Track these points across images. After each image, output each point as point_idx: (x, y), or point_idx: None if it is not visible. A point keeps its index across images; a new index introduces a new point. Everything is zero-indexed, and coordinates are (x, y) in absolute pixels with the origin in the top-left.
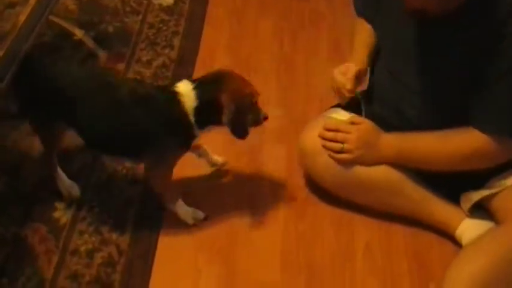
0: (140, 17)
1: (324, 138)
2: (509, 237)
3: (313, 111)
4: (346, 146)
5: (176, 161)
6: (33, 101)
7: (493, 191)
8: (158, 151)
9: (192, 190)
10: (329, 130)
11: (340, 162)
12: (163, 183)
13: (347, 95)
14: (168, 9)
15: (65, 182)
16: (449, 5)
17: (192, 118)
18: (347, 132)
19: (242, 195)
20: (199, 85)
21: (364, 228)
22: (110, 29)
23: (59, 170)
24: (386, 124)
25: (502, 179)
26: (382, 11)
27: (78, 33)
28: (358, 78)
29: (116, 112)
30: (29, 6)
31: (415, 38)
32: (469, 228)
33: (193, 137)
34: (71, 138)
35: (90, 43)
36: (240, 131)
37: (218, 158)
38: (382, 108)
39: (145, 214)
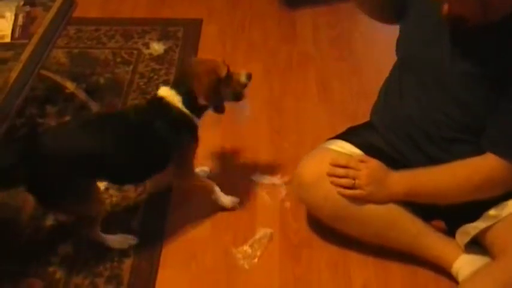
0: (131, 67)
1: (333, 175)
2: (503, 273)
3: (305, 153)
4: (357, 182)
5: (194, 156)
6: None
7: (489, 223)
8: (179, 152)
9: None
10: (339, 166)
11: (352, 198)
12: (193, 177)
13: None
14: (158, 59)
15: (115, 239)
16: (492, 17)
17: (186, 111)
18: (357, 169)
19: (237, 238)
20: (175, 83)
21: (360, 268)
22: (101, 80)
23: (102, 234)
24: (393, 160)
25: (496, 210)
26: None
27: (70, 86)
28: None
29: (141, 137)
30: (20, 62)
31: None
32: (465, 265)
33: (196, 127)
34: None
35: (82, 95)
36: (218, 109)
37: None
38: (396, 138)
39: (140, 265)
